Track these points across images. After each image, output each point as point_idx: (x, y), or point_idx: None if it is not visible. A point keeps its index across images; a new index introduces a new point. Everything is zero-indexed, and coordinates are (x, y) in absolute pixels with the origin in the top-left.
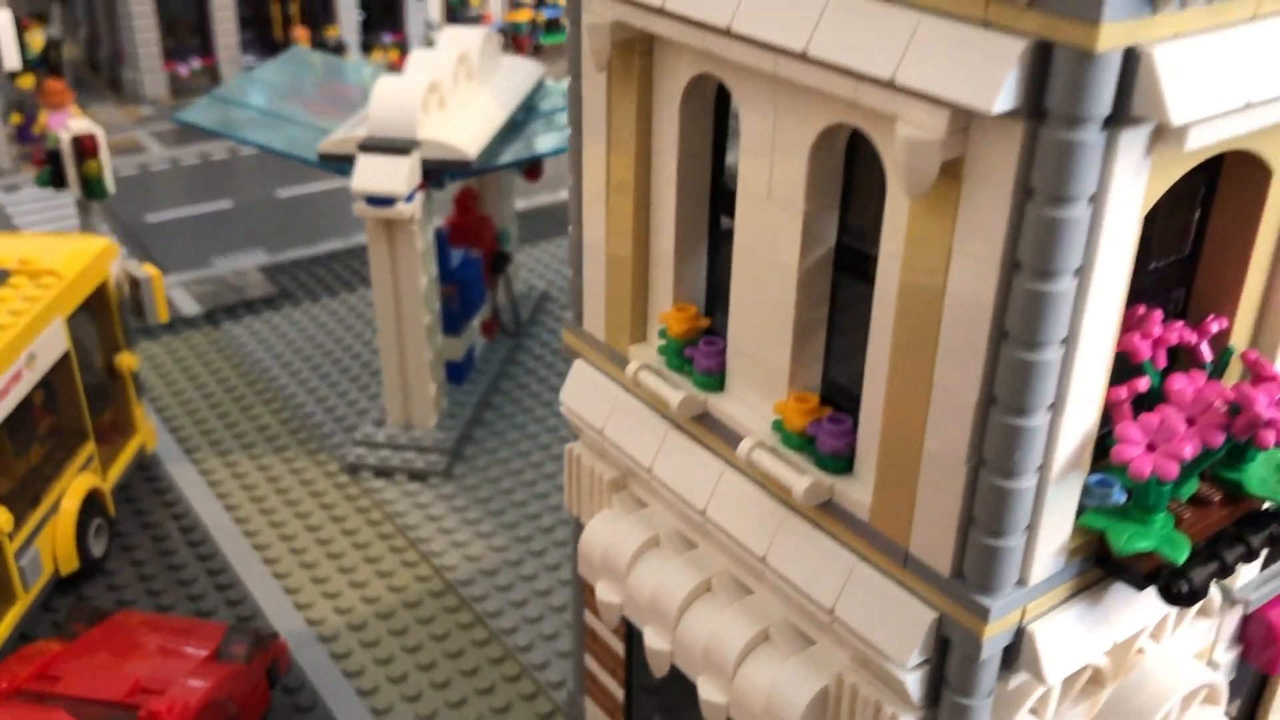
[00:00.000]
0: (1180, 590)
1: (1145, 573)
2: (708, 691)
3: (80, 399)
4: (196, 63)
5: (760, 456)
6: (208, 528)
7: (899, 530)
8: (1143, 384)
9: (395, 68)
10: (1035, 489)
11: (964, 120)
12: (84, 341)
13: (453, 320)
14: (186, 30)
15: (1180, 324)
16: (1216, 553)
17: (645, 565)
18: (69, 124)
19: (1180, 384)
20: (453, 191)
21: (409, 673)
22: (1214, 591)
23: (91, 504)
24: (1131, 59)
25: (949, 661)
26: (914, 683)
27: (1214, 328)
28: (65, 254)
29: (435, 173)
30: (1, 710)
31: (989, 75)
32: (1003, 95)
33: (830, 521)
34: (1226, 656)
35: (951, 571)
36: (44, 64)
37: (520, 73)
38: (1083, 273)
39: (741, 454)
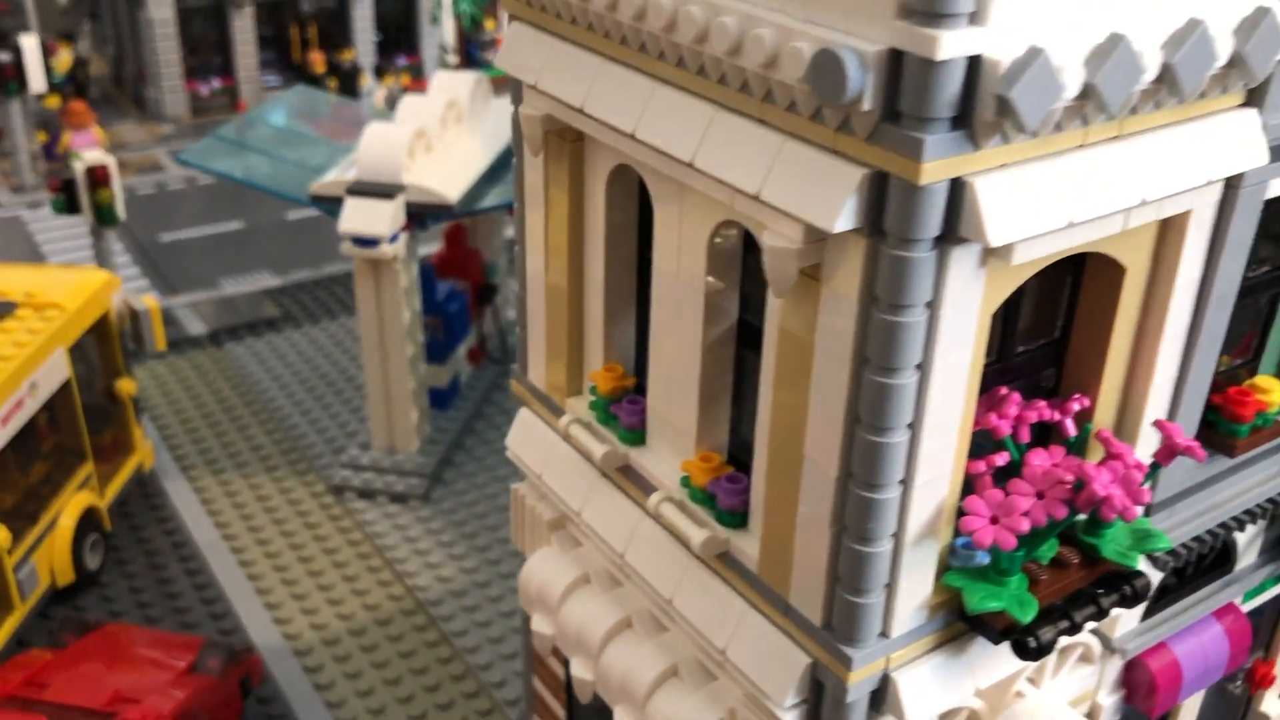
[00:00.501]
0: (1028, 646)
1: (1000, 629)
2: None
3: (80, 423)
4: (217, 83)
5: (667, 508)
6: (198, 544)
7: (781, 582)
8: (1000, 459)
9: (409, 90)
10: (891, 553)
11: (818, 233)
12: (85, 368)
13: (438, 349)
14: (208, 50)
15: (1043, 403)
16: (1067, 612)
17: (574, 601)
18: (84, 154)
19: (1038, 460)
20: (443, 227)
21: (375, 687)
22: (1094, 641)
23: (88, 521)
24: (958, 187)
25: (823, 703)
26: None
27: (1075, 406)
28: (69, 287)
29: (419, 215)
30: None
31: (832, 198)
32: (842, 217)
33: (726, 571)
34: (1110, 700)
35: (823, 622)
36: (71, 83)
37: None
38: (924, 367)
39: (651, 505)
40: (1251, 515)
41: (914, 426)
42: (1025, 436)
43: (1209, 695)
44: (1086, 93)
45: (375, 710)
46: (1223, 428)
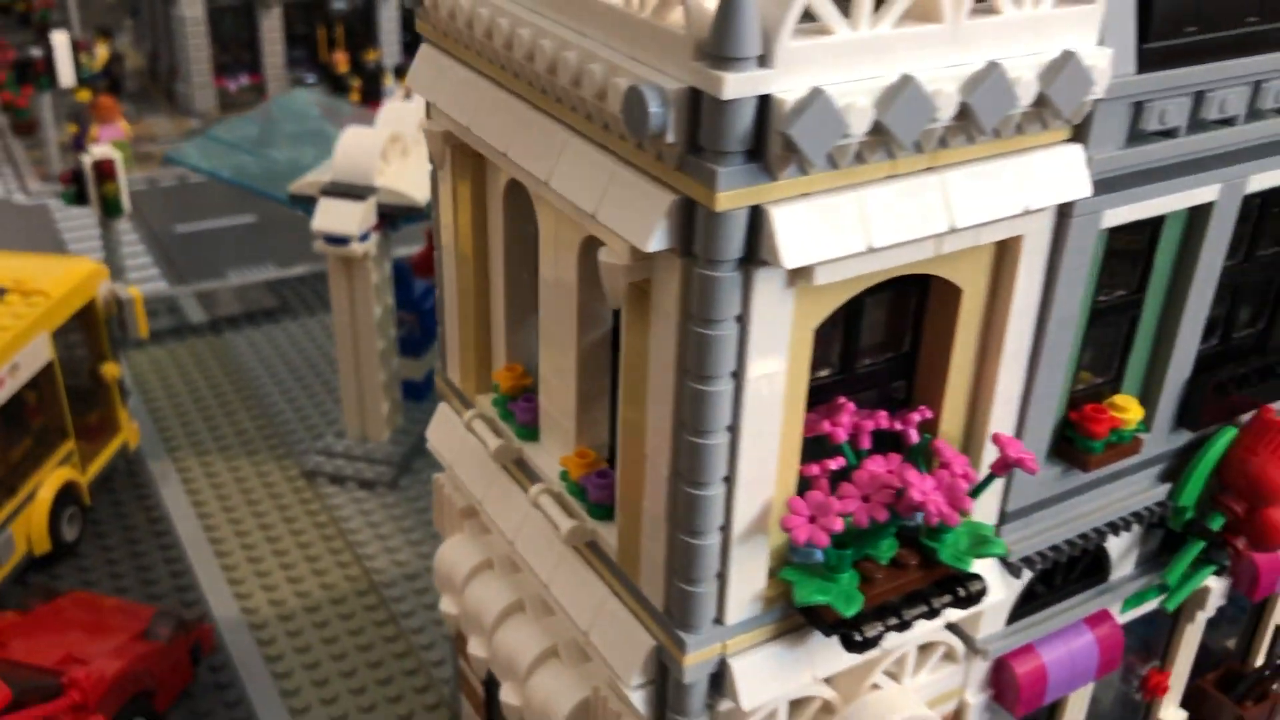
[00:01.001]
0: (854, 639)
1: (830, 622)
2: (507, 694)
3: (62, 402)
4: (245, 79)
5: (544, 499)
6: (173, 520)
7: (634, 572)
8: (834, 463)
9: None
10: (720, 546)
11: (641, 252)
12: (71, 352)
13: (413, 344)
14: (238, 48)
15: (883, 413)
16: (898, 610)
17: (475, 584)
18: (92, 149)
19: (874, 466)
20: (424, 227)
21: (321, 660)
22: (955, 641)
23: (67, 494)
24: (757, 214)
25: (668, 684)
26: (640, 700)
27: (916, 417)
28: (56, 275)
29: (390, 216)
30: None
31: (647, 221)
32: (654, 238)
33: (595, 560)
34: (978, 699)
35: (664, 609)
36: (107, 76)
37: None
38: (739, 376)
39: (530, 495)
40: (1114, 528)
41: (733, 430)
42: (865, 443)
43: (1110, 701)
44: (879, 129)
45: (319, 682)
46: (1079, 443)
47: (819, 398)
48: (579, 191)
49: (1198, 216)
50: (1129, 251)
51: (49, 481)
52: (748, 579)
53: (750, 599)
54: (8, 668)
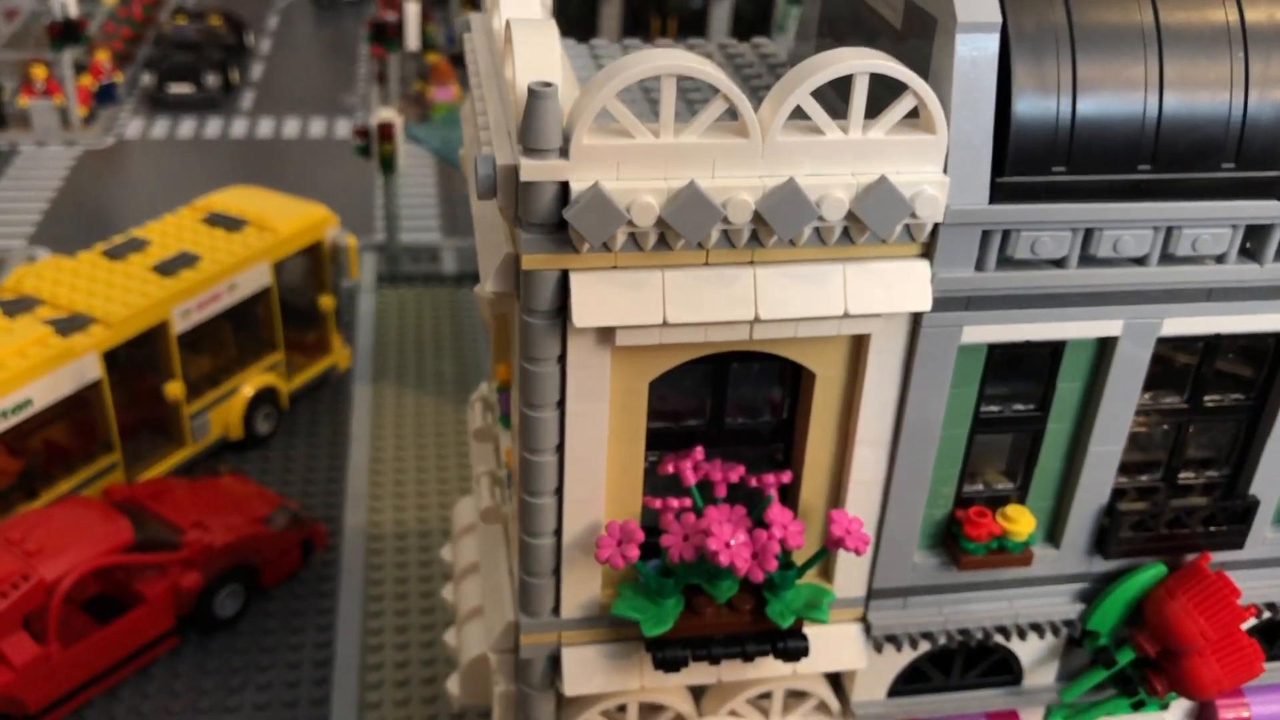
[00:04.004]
0: (656, 657)
1: (643, 637)
2: (447, 635)
3: (275, 320)
4: None
5: (484, 480)
6: (350, 435)
7: (512, 559)
8: (675, 502)
9: None
10: (554, 548)
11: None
12: (295, 280)
13: None
14: (580, 30)
15: (741, 468)
16: (709, 645)
17: (461, 540)
18: (381, 111)
19: (712, 513)
20: None
21: (409, 581)
22: (830, 697)
23: (265, 396)
24: (565, 277)
25: (518, 656)
26: (497, 663)
27: (771, 479)
28: (289, 216)
29: None
30: (93, 504)
31: (490, 267)
32: (491, 282)
33: (507, 537)
34: None
35: (518, 594)
36: (451, 44)
37: None
38: (563, 405)
39: (475, 473)
40: (1005, 632)
41: (560, 450)
42: (721, 491)
43: None
44: (663, 224)
45: (399, 595)
46: (960, 542)
47: (687, 442)
48: (483, 241)
49: (1105, 349)
50: (1030, 369)
51: (251, 382)
52: (582, 582)
53: (586, 600)
54: (150, 517)
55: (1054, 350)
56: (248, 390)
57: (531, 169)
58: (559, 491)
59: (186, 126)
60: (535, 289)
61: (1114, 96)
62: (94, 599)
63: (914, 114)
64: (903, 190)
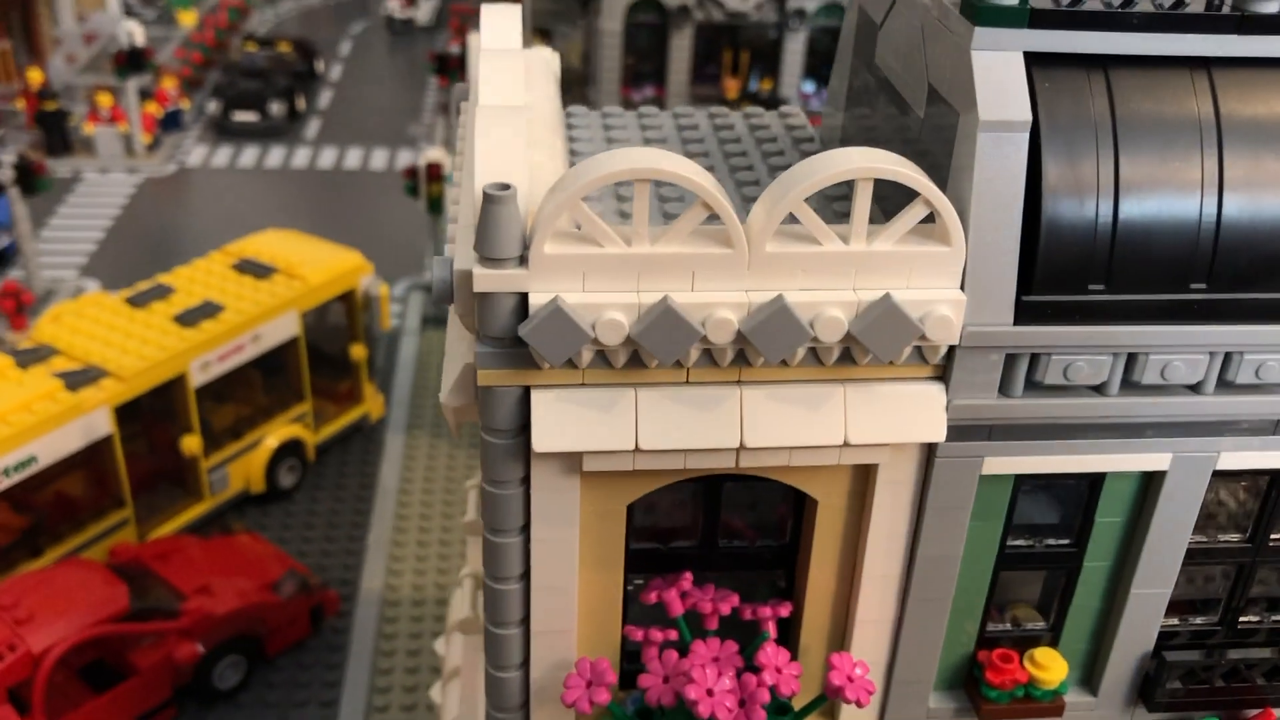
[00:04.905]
0: None
1: None
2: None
3: (302, 371)
4: (650, 90)
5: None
6: (376, 489)
7: None
8: (658, 634)
9: None
10: (520, 682)
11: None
12: (325, 330)
13: None
14: (649, 61)
15: (735, 597)
16: None
17: (455, 636)
18: (428, 151)
19: (699, 648)
20: None
21: (422, 653)
22: None
23: (290, 448)
24: (528, 393)
25: None
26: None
27: (769, 612)
28: (320, 264)
29: None
30: (93, 566)
31: (450, 377)
32: (448, 394)
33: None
34: None
35: None
36: None
37: None
38: (527, 530)
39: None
40: None
41: (525, 578)
42: (712, 624)
43: None
44: (632, 343)
45: (410, 669)
46: (981, 688)
47: (675, 565)
48: (451, 346)
49: (1151, 482)
50: (1065, 499)
51: (275, 434)
52: (555, 716)
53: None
54: (153, 580)
55: (1092, 482)
56: (271, 442)
57: (486, 279)
58: (525, 622)
59: (249, 155)
60: (494, 406)
61: (1163, 201)
62: (92, 664)
63: (930, 218)
64: (910, 310)
